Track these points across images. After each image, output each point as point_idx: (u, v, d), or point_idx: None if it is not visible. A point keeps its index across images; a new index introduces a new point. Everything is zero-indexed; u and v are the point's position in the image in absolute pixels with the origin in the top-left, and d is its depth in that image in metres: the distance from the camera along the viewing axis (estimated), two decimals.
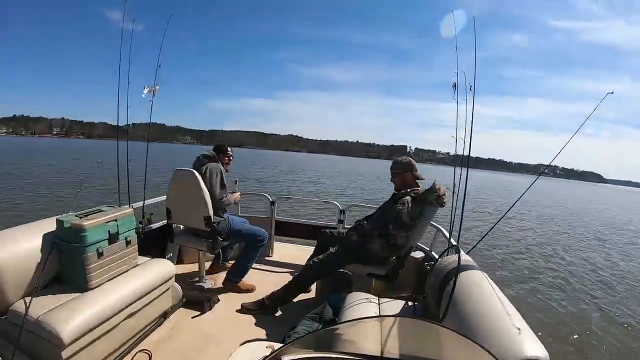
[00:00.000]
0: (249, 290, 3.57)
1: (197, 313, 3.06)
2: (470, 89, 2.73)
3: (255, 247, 3.61)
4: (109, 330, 2.18)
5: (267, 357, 1.08)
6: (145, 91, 3.44)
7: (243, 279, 3.63)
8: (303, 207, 12.34)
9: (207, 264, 4.01)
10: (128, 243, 2.59)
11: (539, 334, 1.70)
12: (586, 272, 9.05)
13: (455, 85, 2.83)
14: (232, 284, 3.58)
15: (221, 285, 3.63)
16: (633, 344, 5.30)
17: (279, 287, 3.27)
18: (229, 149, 3.82)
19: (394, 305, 2.61)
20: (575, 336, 5.29)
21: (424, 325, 1.22)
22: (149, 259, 2.84)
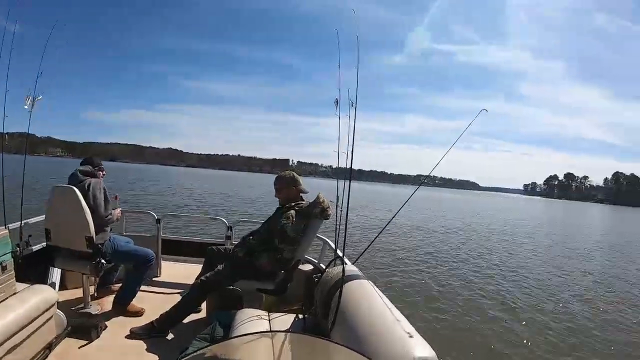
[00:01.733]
0: (138, 313, 3.39)
1: (84, 342, 2.83)
2: (352, 105, 2.89)
3: (141, 268, 3.46)
4: None
5: None
6: (28, 102, 3.20)
7: (132, 302, 3.44)
8: (190, 224, 12.05)
9: (92, 288, 3.73)
10: (4, 269, 2.31)
11: (426, 335, 1.81)
12: (468, 274, 9.90)
13: (337, 101, 2.98)
14: (120, 309, 3.38)
15: (108, 310, 3.42)
16: (513, 338, 5.85)
17: (169, 309, 3.15)
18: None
19: (285, 320, 2.64)
20: (460, 335, 5.73)
21: (311, 341, 1.24)
22: (28, 285, 2.56)
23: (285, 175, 3.50)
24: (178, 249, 4.78)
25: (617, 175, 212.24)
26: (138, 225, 6.86)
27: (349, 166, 2.87)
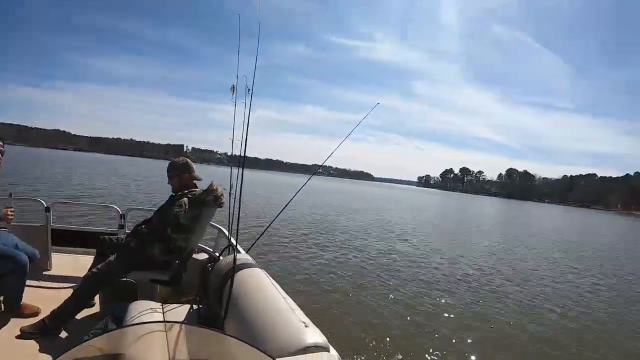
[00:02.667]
0: (35, 312, 3.11)
1: None
2: (248, 91, 2.89)
3: (15, 275, 3.09)
4: None
5: None
6: None
7: (24, 302, 3.15)
8: (81, 213, 11.27)
9: None
10: None
11: (318, 323, 1.87)
12: (361, 263, 10.21)
13: (234, 88, 2.97)
14: (13, 310, 3.09)
15: None
16: (408, 326, 6.13)
17: (60, 304, 2.96)
18: None
19: (179, 311, 2.60)
20: (352, 323, 5.91)
21: (202, 332, 1.24)
22: None
23: (179, 162, 3.42)
24: (69, 240, 4.47)
25: (510, 170, 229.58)
26: (24, 214, 6.18)
27: (243, 153, 2.88)
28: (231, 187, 2.90)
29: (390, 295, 7.48)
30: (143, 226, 3.33)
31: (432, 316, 6.60)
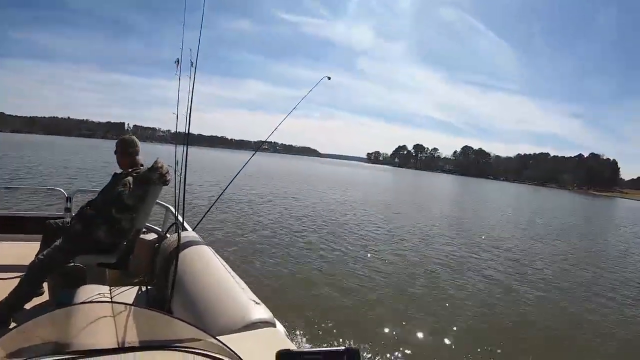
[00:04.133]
0: None
1: None
2: (192, 65, 2.88)
3: None
4: None
5: None
6: None
7: None
8: (25, 198, 10.83)
9: None
10: None
11: (265, 300, 1.92)
12: (310, 241, 10.31)
13: (178, 61, 2.94)
14: None
15: None
16: (354, 302, 6.31)
17: (7, 295, 2.87)
18: None
19: (128, 293, 2.60)
20: (300, 298, 6.07)
21: (148, 314, 1.24)
22: None
23: (125, 140, 3.38)
24: (13, 226, 4.29)
25: (466, 148, 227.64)
26: None
27: (187, 130, 2.88)
28: (176, 164, 2.89)
29: (338, 272, 7.67)
30: (88, 208, 3.27)
31: (376, 291, 6.86)
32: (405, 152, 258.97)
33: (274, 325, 1.77)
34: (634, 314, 7.21)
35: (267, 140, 3.89)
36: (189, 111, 2.90)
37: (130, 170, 3.24)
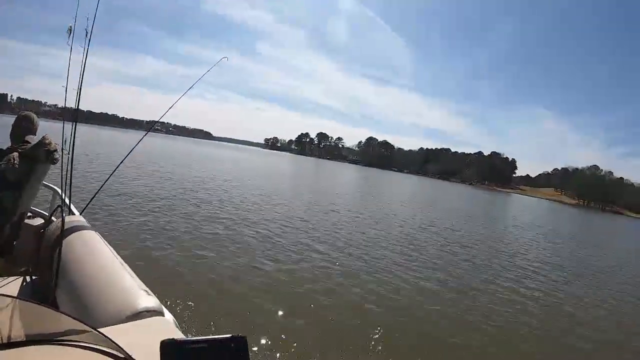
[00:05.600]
0: None
1: None
2: (86, 36, 2.71)
3: None
4: None
5: None
6: None
7: None
8: None
9: None
10: None
11: (155, 289, 1.90)
12: (202, 228, 10.07)
13: (71, 30, 2.75)
14: None
15: None
16: (245, 288, 6.31)
17: None
18: None
19: (12, 284, 2.47)
20: (191, 287, 5.92)
21: (30, 307, 1.17)
22: None
23: (23, 115, 3.15)
24: None
25: (370, 140, 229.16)
26: None
27: (77, 105, 2.72)
28: (64, 142, 2.70)
29: (229, 259, 7.66)
30: None
31: (270, 277, 6.98)
32: (307, 139, 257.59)
33: (162, 314, 1.75)
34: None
35: (160, 120, 3.78)
36: (80, 84, 2.73)
37: (15, 146, 2.98)
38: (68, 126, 2.67)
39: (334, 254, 9.26)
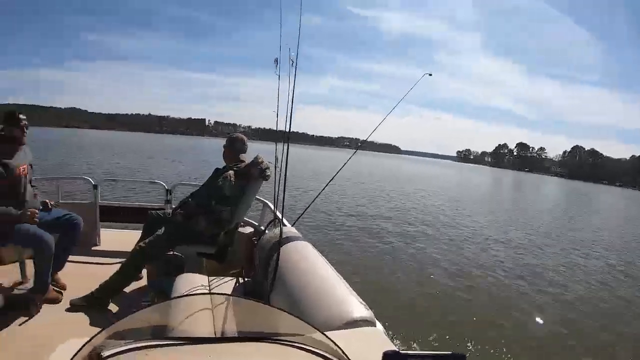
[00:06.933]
0: (55, 298, 3.09)
1: (24, 318, 2.79)
2: (292, 65, 2.99)
3: (40, 256, 3.03)
4: None
5: (77, 352, 0.96)
6: None
7: (57, 282, 3.27)
8: (128, 189, 11.70)
9: (30, 261, 3.45)
10: None
11: (365, 297, 1.94)
12: (405, 239, 10.27)
13: (277, 60, 3.07)
14: (40, 290, 3.05)
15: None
16: (453, 299, 6.29)
17: (109, 277, 3.13)
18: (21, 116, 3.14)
19: (225, 284, 2.73)
20: (399, 299, 6.02)
21: (249, 304, 1.29)
22: None
23: (236, 136, 3.59)
24: (117, 215, 4.68)
25: (576, 149, 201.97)
26: (73, 192, 6.44)
27: (288, 127, 2.98)
28: (276, 160, 3.00)
29: (441, 275, 7.49)
30: (189, 199, 3.48)
31: (489, 297, 6.66)
32: (506, 150, 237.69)
33: (373, 324, 1.78)
34: None
35: (367, 139, 3.94)
36: (290, 107, 3.00)
37: (232, 164, 3.42)
38: (280, 146, 2.96)
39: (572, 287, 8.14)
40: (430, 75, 3.51)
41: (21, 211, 2.98)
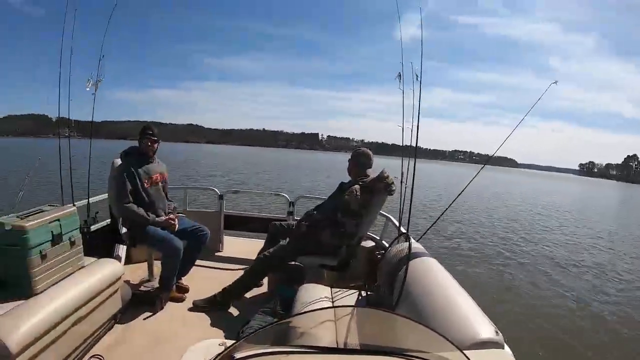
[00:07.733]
0: (180, 298, 3.40)
1: (149, 314, 3.08)
2: (417, 79, 3.02)
3: (168, 259, 3.32)
4: (58, 337, 2.13)
5: (219, 354, 1.06)
6: (89, 85, 3.41)
7: (190, 281, 3.59)
8: (252, 200, 12.40)
9: (157, 262, 3.80)
10: (72, 244, 2.54)
11: (492, 317, 1.90)
12: (535, 256, 9.90)
13: (400, 75, 3.12)
14: (166, 290, 3.34)
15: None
16: (583, 323, 5.93)
17: (231, 283, 3.34)
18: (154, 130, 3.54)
19: (347, 296, 2.75)
20: (528, 318, 5.81)
21: (378, 314, 1.28)
22: (95, 259, 2.80)
23: (362, 152, 3.65)
24: (240, 225, 4.97)
25: None
26: (200, 201, 7.01)
27: (415, 142, 3.01)
28: (402, 175, 3.04)
29: (574, 299, 7.08)
30: (314, 212, 3.61)
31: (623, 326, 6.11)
32: (634, 163, 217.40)
33: (502, 347, 1.73)
34: None
35: (494, 154, 3.84)
36: (416, 123, 3.03)
37: (357, 179, 3.49)
38: (395, 160, 2.99)
39: None
40: (556, 83, 3.33)
41: (154, 216, 3.37)
